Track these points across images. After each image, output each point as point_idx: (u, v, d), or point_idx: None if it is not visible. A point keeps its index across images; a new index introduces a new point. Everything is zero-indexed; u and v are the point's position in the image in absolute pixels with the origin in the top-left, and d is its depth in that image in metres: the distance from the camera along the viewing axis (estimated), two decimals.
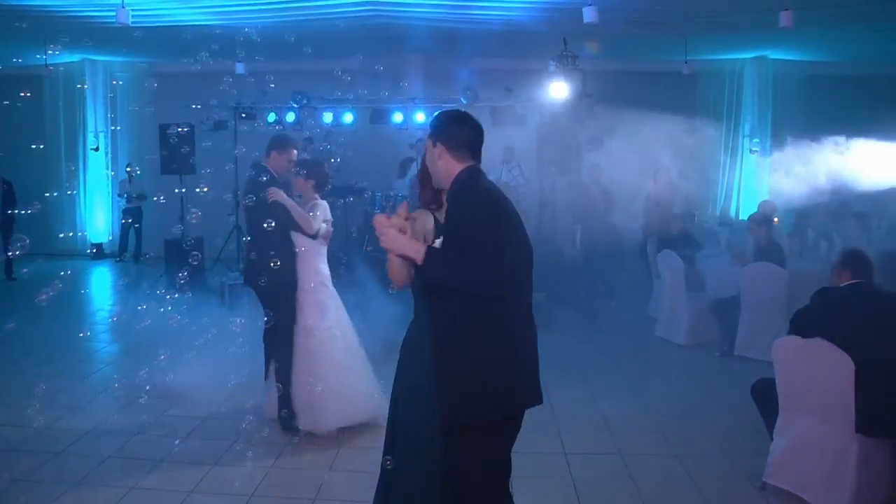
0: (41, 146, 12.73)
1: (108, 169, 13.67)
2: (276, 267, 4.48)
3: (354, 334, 5.04)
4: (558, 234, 10.01)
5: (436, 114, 3.02)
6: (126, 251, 13.13)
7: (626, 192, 9.02)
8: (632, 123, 8.81)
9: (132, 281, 11.48)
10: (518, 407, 2.62)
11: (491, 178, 9.92)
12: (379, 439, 3.12)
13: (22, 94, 10.82)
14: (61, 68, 13.01)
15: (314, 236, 4.85)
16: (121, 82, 13.54)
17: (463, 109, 3.10)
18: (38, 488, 4.06)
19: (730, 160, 12.94)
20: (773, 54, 12.52)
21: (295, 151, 5.10)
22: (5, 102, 12.69)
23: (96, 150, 13.46)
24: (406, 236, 2.57)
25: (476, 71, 11.07)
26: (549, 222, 10.19)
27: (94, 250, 13.58)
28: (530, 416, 2.68)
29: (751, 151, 12.77)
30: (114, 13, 7.06)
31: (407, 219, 2.63)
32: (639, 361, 6.88)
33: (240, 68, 11.25)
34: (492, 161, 11.54)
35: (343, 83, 11.70)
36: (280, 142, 5.14)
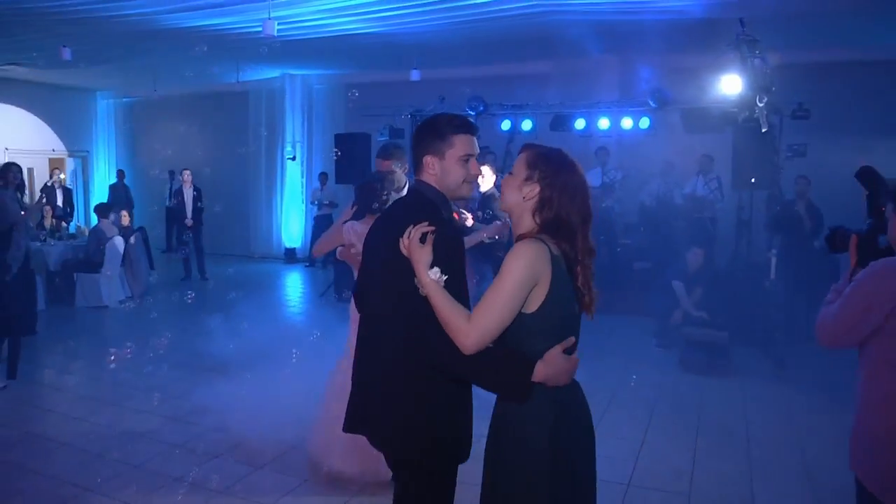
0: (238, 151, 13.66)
1: (302, 177, 14.34)
2: None
3: None
4: (756, 260, 8.38)
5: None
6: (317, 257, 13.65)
7: (838, 210, 7.15)
8: (847, 125, 6.96)
9: (308, 287, 11.80)
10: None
11: (686, 190, 8.44)
12: None
13: None
14: (264, 83, 13.93)
15: None
16: (316, 95, 14.19)
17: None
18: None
19: None
20: None
21: (387, 163, 4.35)
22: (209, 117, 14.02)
23: (293, 159, 14.17)
24: None
25: (666, 70, 9.72)
26: (747, 245, 8.60)
27: (288, 255, 14.33)
28: None
29: None
30: (260, 27, 7.07)
31: None
32: (828, 439, 5.21)
33: (415, 75, 11.10)
34: (685, 172, 10.12)
35: (523, 89, 11.25)
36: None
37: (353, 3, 7.57)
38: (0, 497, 4.03)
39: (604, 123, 10.61)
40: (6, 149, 13.80)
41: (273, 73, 13.47)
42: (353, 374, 2.47)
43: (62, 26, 8.13)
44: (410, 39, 9.63)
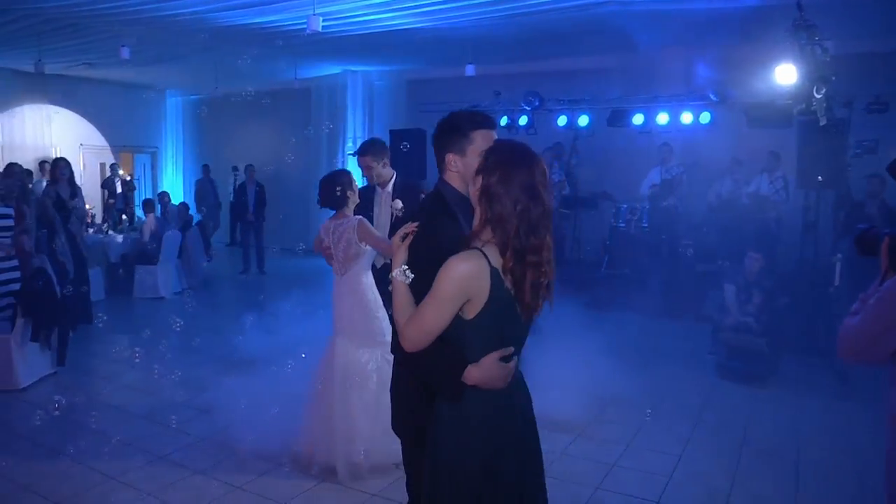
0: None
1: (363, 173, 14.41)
2: None
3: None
4: (823, 265, 7.84)
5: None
6: None
7: None
8: None
9: None
10: None
11: (749, 189, 8.07)
12: None
13: None
14: (326, 79, 14.07)
15: None
16: (377, 91, 14.24)
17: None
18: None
19: None
20: None
21: (363, 159, 4.58)
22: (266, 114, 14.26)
23: (354, 154, 14.23)
24: None
25: (727, 63, 9.23)
26: (813, 250, 8.06)
27: None
28: None
29: None
30: (304, 23, 7.09)
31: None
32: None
33: (469, 70, 10.97)
34: (750, 169, 9.58)
35: (579, 83, 10.95)
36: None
37: None
38: (28, 480, 4.14)
39: (662, 118, 10.22)
40: (80, 144, 14.43)
41: (334, 69, 13.58)
42: None
43: (119, 27, 8.40)
44: (464, 34, 9.50)
